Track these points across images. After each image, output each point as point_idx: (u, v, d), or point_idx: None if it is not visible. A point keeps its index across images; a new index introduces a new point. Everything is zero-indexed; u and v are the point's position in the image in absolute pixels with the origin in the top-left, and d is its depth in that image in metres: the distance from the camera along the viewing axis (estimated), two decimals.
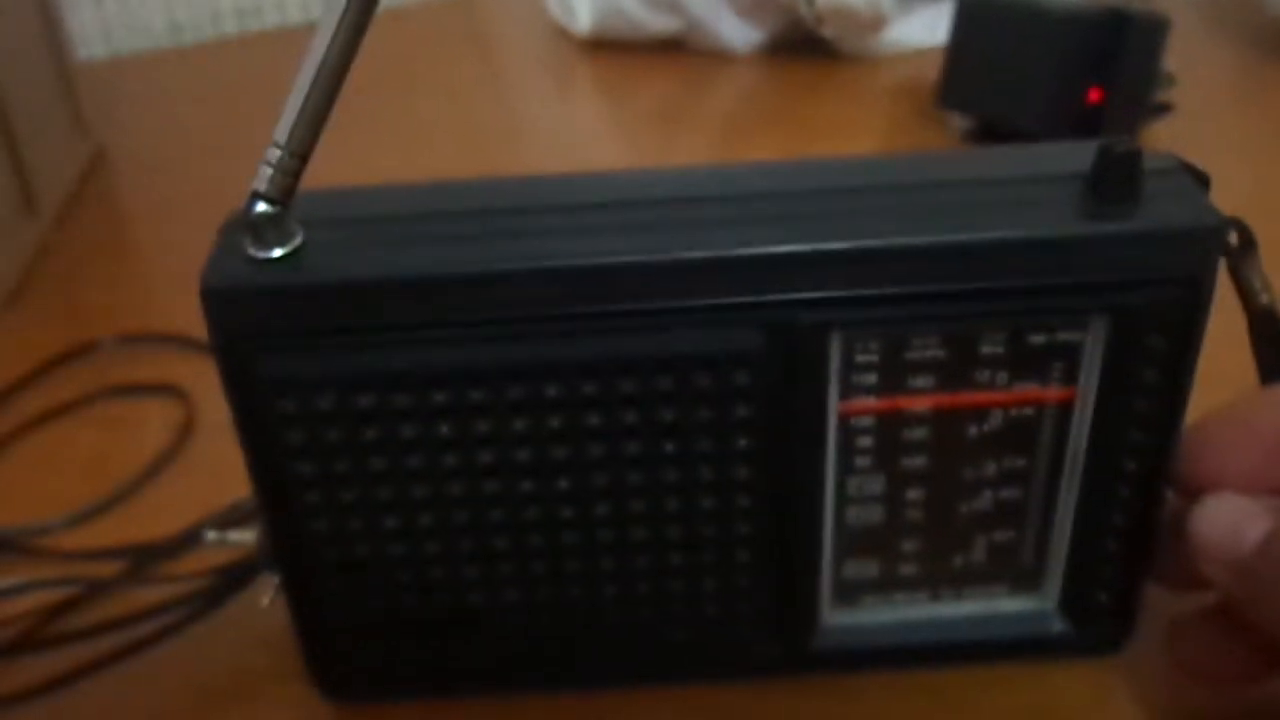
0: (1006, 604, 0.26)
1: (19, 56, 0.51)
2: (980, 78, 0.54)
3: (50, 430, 0.38)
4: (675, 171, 0.24)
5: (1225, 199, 0.22)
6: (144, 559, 0.32)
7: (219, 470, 0.27)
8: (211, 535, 0.31)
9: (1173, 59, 0.51)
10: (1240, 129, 0.56)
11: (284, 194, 0.21)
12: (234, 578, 0.29)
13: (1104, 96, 0.49)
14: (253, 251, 0.22)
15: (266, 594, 0.27)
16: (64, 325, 0.44)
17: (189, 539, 0.32)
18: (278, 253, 0.22)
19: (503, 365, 0.22)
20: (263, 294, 0.22)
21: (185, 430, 0.38)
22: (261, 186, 0.21)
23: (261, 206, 0.21)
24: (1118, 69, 0.49)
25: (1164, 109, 0.52)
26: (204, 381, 0.27)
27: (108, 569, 0.32)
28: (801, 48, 0.66)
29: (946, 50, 0.55)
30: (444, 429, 0.23)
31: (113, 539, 0.33)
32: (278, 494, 0.24)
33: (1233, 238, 0.22)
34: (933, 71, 0.56)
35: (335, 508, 0.24)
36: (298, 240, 0.22)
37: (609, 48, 0.69)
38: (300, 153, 0.21)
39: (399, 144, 0.59)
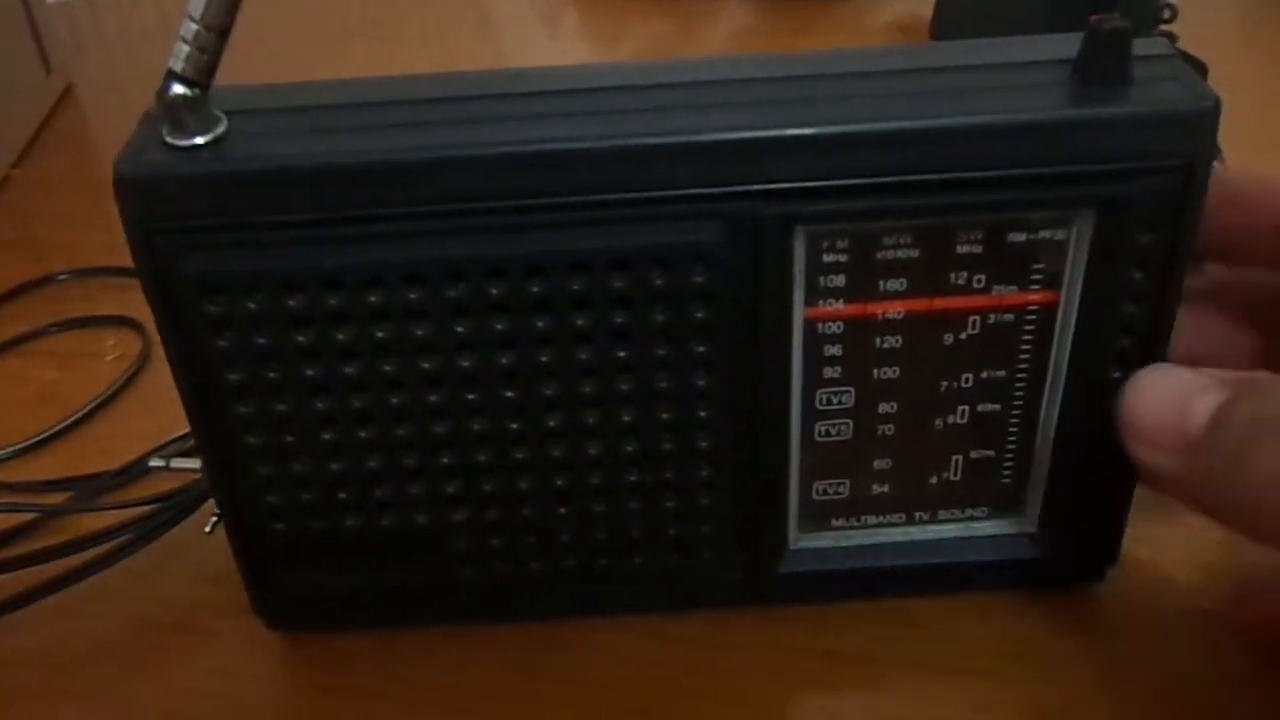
0: (984, 527, 0.25)
1: None
2: (974, 13, 0.52)
3: (3, 363, 0.37)
4: (632, 62, 0.23)
5: (1228, 138, 0.21)
6: (91, 488, 0.31)
7: (175, 401, 0.26)
8: (155, 462, 0.29)
9: None
10: (1243, 66, 0.54)
11: (203, 74, 0.20)
12: (178, 505, 0.28)
13: None
14: (171, 139, 0.20)
15: (209, 522, 0.26)
16: (24, 261, 0.42)
17: (136, 468, 0.31)
18: (199, 140, 0.20)
19: (443, 262, 0.21)
20: (182, 183, 0.20)
21: (141, 362, 0.36)
22: (178, 66, 0.20)
23: (179, 88, 0.20)
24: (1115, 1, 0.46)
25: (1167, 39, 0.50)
26: None
27: (54, 499, 0.31)
28: None
29: None
30: (381, 332, 0.21)
31: (63, 470, 0.32)
32: (207, 406, 0.22)
33: None
34: (927, 8, 0.54)
35: (269, 420, 0.22)
36: (221, 127, 0.21)
37: None
38: (218, 26, 0.19)
39: None
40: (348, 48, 0.60)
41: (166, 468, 0.29)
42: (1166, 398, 0.20)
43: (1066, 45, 0.21)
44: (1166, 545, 0.26)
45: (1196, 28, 0.49)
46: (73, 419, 0.34)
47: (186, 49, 0.20)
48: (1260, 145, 0.40)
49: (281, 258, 0.21)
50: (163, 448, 0.31)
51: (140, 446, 0.32)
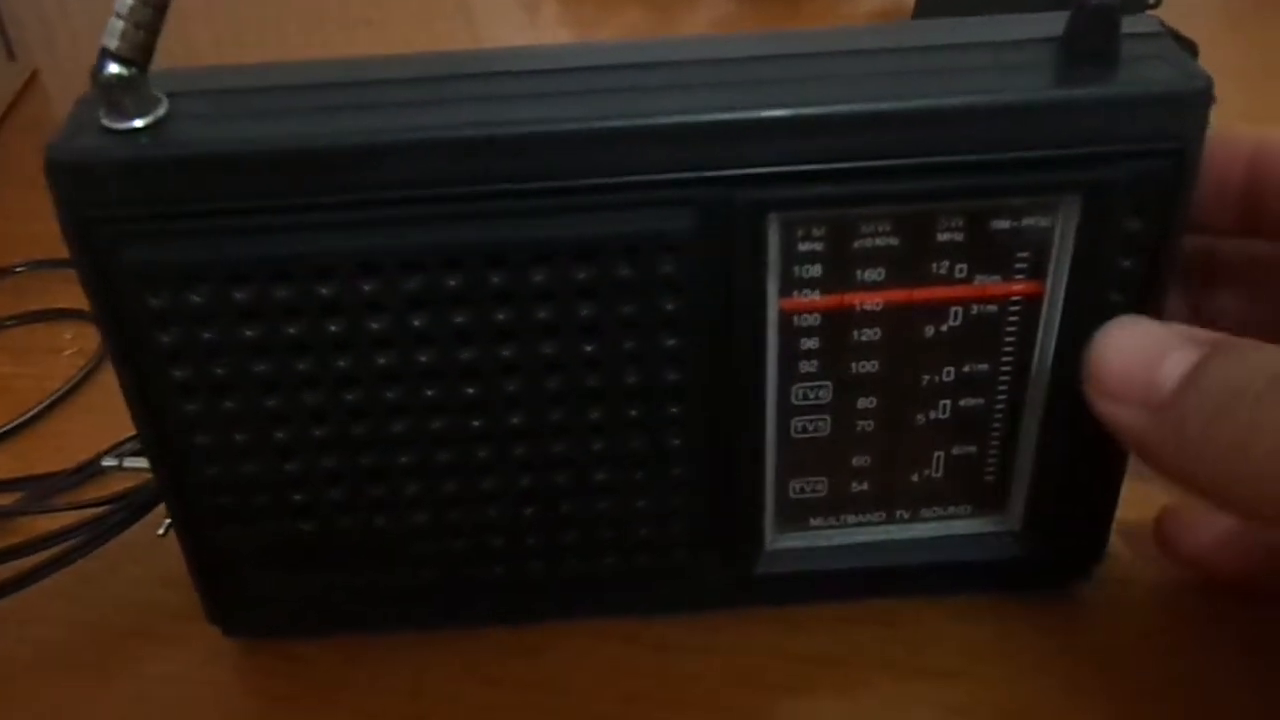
0: (967, 526, 0.24)
1: None
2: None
3: None
4: (597, 43, 0.22)
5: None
6: (43, 488, 0.30)
7: None
8: (108, 461, 0.28)
9: None
10: (1229, 51, 0.53)
11: (139, 52, 0.19)
12: (131, 505, 0.27)
13: None
14: (108, 121, 0.19)
15: (162, 524, 0.25)
16: None
17: (90, 468, 0.30)
18: (138, 123, 0.19)
19: (398, 253, 0.20)
20: (119, 168, 0.19)
21: (100, 358, 0.35)
22: (112, 43, 0.19)
23: (114, 68, 0.19)
24: None
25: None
26: None
27: (5, 499, 0.30)
28: None
29: None
30: (334, 326, 0.20)
31: (15, 469, 0.31)
32: (153, 404, 0.21)
33: None
34: None
35: (217, 418, 0.21)
36: (161, 109, 0.19)
37: None
38: (156, 1, 0.18)
39: None
40: (323, 34, 0.58)
41: (119, 467, 0.28)
42: (1136, 352, 0.19)
43: (1052, 24, 0.20)
44: (1148, 538, 0.25)
45: (1181, 12, 0.48)
46: (27, 416, 0.33)
47: (122, 25, 0.18)
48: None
49: (227, 247, 0.20)
50: (118, 446, 0.30)
51: (97, 445, 0.30)
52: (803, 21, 0.60)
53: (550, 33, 0.66)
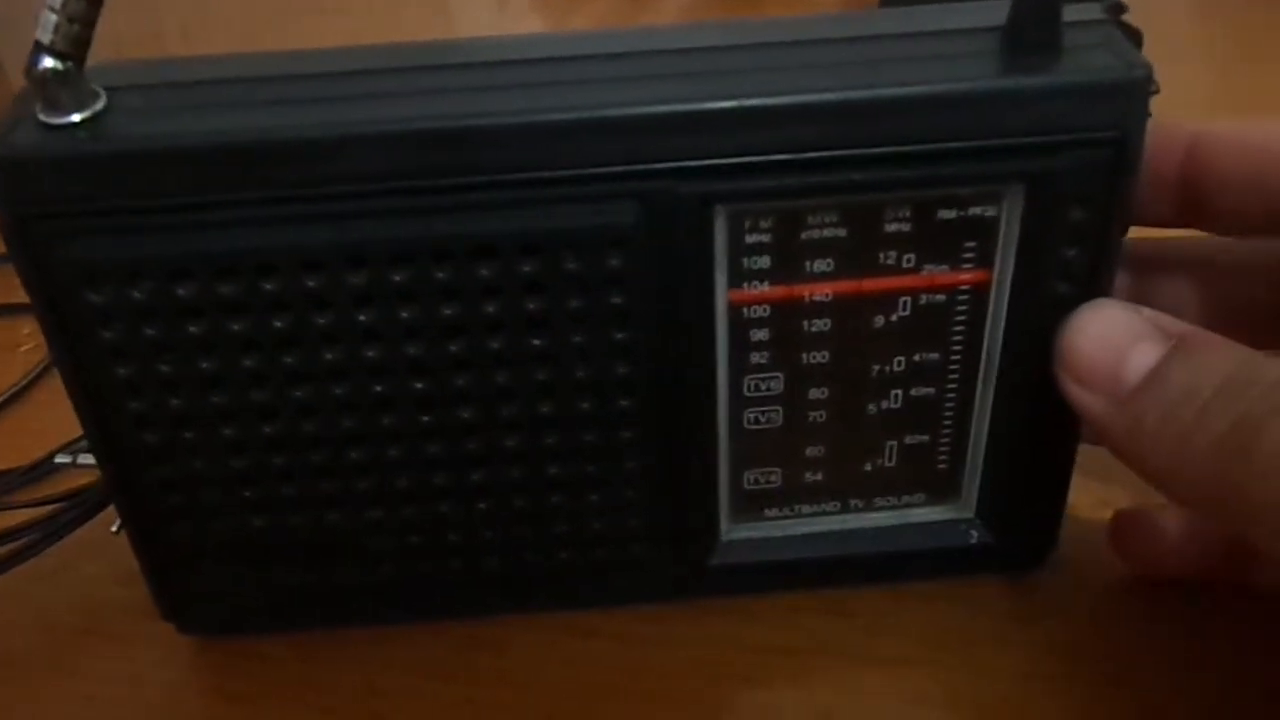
0: (921, 514, 0.24)
1: None
2: None
3: None
4: (543, 34, 0.21)
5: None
6: None
7: None
8: (62, 459, 0.28)
9: None
10: (1195, 37, 0.53)
11: (74, 45, 0.18)
12: (85, 503, 0.26)
13: None
14: (45, 117, 0.19)
15: (116, 521, 0.25)
16: None
17: (46, 465, 0.30)
18: (75, 118, 0.19)
19: (341, 248, 0.20)
20: (56, 164, 0.19)
21: None
22: (45, 37, 0.18)
23: (49, 61, 0.18)
24: None
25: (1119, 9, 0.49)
26: None
27: None
28: None
29: None
30: (279, 322, 0.20)
31: None
32: (98, 402, 0.21)
33: None
34: None
35: (164, 416, 0.21)
36: (99, 104, 0.19)
37: None
38: None
39: None
40: (296, 21, 0.58)
41: (74, 464, 0.28)
42: (1104, 339, 0.20)
43: (997, 12, 0.20)
44: (1105, 528, 0.25)
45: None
46: None
47: (55, 19, 0.18)
48: (1206, 113, 0.40)
49: (168, 243, 0.19)
50: (73, 443, 0.30)
51: (53, 441, 0.30)
52: (772, 8, 0.60)
53: (522, 18, 0.65)
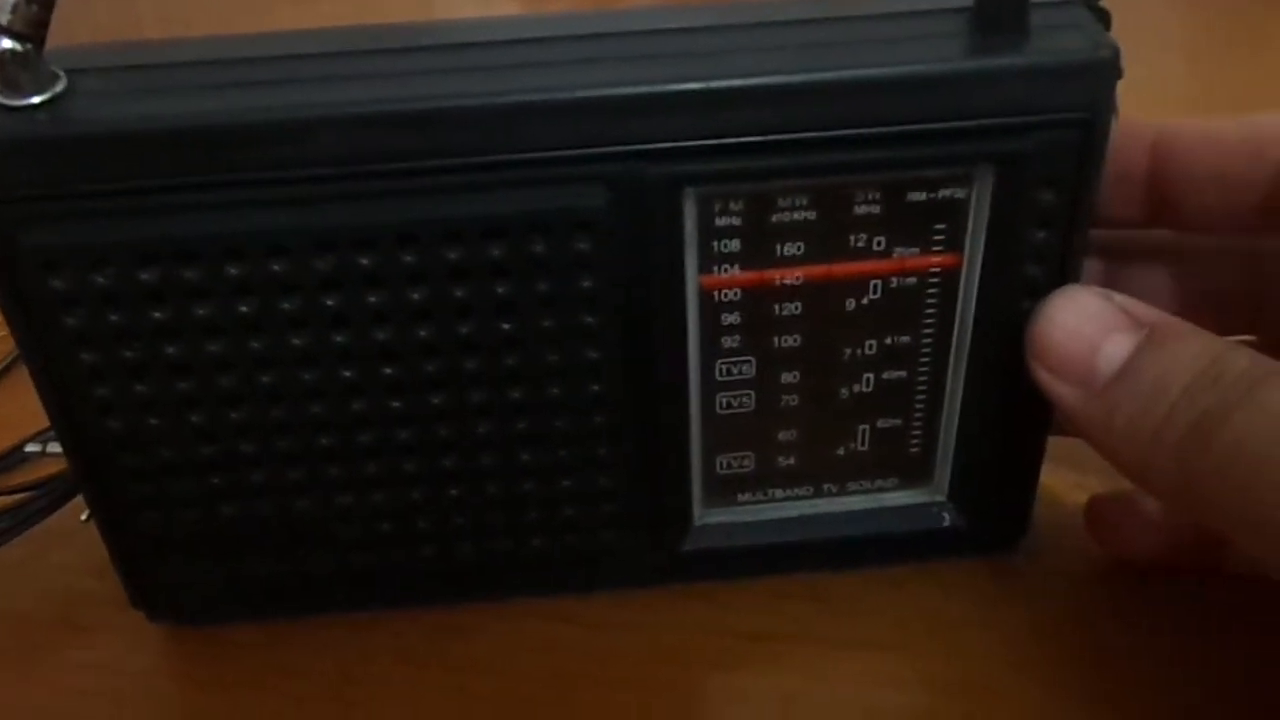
0: (894, 498, 0.24)
1: None
2: None
3: None
4: (511, 16, 0.21)
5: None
6: None
7: None
8: (32, 447, 0.28)
9: None
10: (1172, 24, 0.53)
11: (32, 25, 0.18)
12: (53, 492, 0.26)
13: None
14: (3, 99, 0.19)
15: (85, 510, 0.24)
16: None
17: (16, 454, 0.29)
18: (35, 100, 0.19)
19: (307, 232, 0.19)
20: (15, 147, 0.18)
21: None
22: (3, 18, 0.18)
23: (7, 43, 0.18)
24: None
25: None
26: None
27: None
28: None
29: None
30: (245, 308, 0.20)
31: None
32: (63, 390, 0.21)
33: None
34: None
35: (130, 404, 0.21)
36: (60, 86, 0.19)
37: None
38: None
39: None
40: (275, 8, 0.57)
41: (44, 453, 0.27)
42: (1077, 330, 0.20)
43: None
44: (1079, 513, 0.25)
45: None
46: None
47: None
48: (1190, 104, 0.40)
49: (131, 228, 0.19)
50: (43, 432, 0.30)
51: (24, 430, 0.30)
52: None
53: (503, 4, 0.65)
